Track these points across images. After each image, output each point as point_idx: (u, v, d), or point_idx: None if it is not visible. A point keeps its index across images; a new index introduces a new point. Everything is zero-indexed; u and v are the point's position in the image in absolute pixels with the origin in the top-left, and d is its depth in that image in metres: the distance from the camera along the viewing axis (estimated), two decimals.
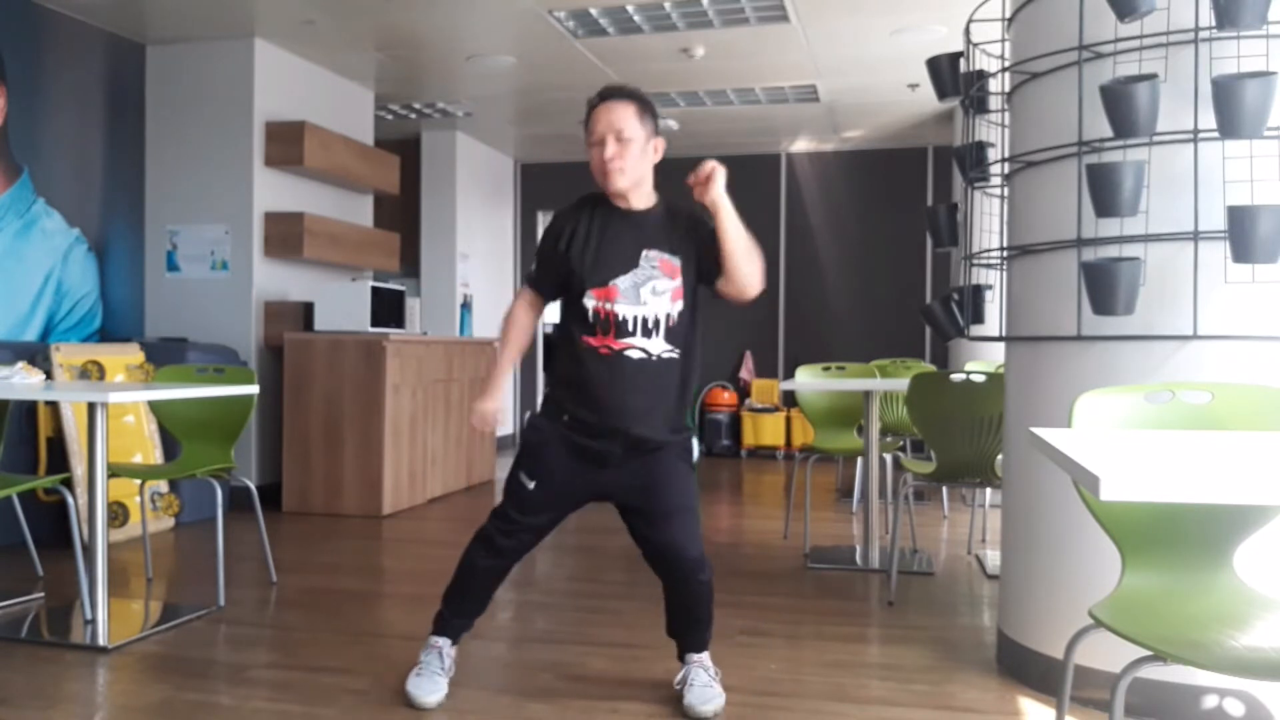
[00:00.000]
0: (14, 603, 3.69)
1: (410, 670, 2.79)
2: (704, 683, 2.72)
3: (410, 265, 8.42)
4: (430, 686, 2.72)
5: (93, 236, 5.67)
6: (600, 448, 2.61)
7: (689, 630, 2.78)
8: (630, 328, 2.59)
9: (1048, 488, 2.82)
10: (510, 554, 2.75)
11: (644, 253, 2.61)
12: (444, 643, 2.81)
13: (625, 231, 2.63)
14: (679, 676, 2.77)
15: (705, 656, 2.79)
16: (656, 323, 2.60)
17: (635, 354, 2.59)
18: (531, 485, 2.67)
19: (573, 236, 2.65)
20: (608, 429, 2.59)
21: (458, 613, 2.83)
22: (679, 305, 2.61)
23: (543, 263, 2.73)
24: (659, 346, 2.60)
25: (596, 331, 2.60)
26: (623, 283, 2.60)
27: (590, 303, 2.60)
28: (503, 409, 2.73)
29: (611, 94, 2.65)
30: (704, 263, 2.64)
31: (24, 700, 2.75)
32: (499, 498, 2.80)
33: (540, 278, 2.75)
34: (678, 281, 2.62)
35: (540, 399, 2.79)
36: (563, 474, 2.66)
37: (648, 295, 2.60)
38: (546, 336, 2.84)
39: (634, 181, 2.62)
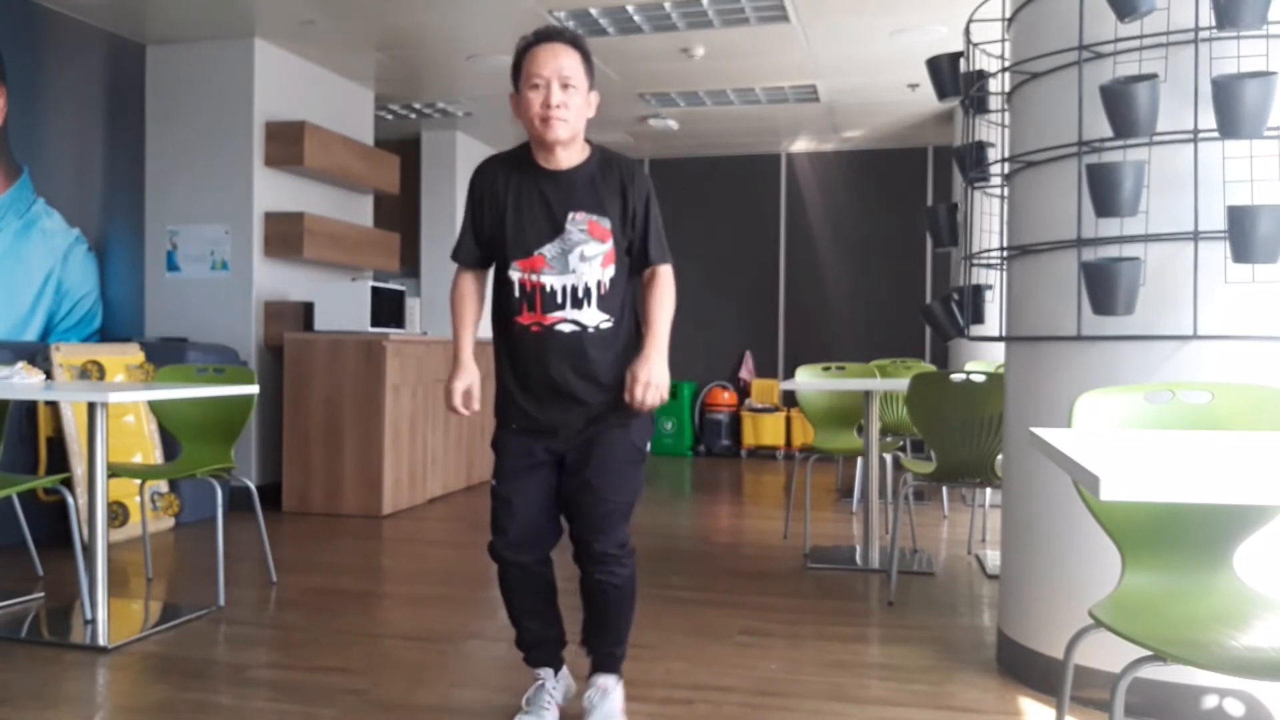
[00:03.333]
0: (14, 603, 3.69)
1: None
2: (604, 713, 2.49)
3: (410, 265, 8.42)
4: (534, 717, 2.51)
5: (93, 236, 5.67)
6: (547, 427, 2.45)
7: (594, 634, 2.56)
8: (559, 300, 2.38)
9: (1048, 488, 2.82)
10: (512, 559, 2.48)
11: (571, 215, 2.39)
12: (544, 673, 2.58)
13: (550, 193, 2.40)
14: (584, 695, 2.55)
15: (610, 680, 2.55)
16: (588, 292, 2.39)
17: (567, 328, 2.39)
18: (494, 484, 2.51)
19: (492, 200, 2.43)
20: (549, 416, 2.44)
21: (528, 634, 2.58)
22: (610, 271, 2.40)
23: (465, 232, 2.51)
24: (594, 317, 2.40)
25: (524, 308, 2.40)
26: (549, 251, 2.39)
27: (516, 275, 2.40)
28: (475, 384, 2.50)
29: (555, 36, 2.38)
30: (630, 236, 2.45)
31: (24, 700, 2.75)
32: None
33: (460, 250, 2.52)
34: (608, 245, 2.40)
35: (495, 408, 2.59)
36: (521, 453, 2.48)
37: (576, 262, 2.38)
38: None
39: (573, 133, 2.37)
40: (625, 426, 2.46)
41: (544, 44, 2.36)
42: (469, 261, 2.54)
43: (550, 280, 2.39)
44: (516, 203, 2.42)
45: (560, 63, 2.34)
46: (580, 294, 2.39)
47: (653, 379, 2.38)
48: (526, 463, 2.47)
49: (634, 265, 2.48)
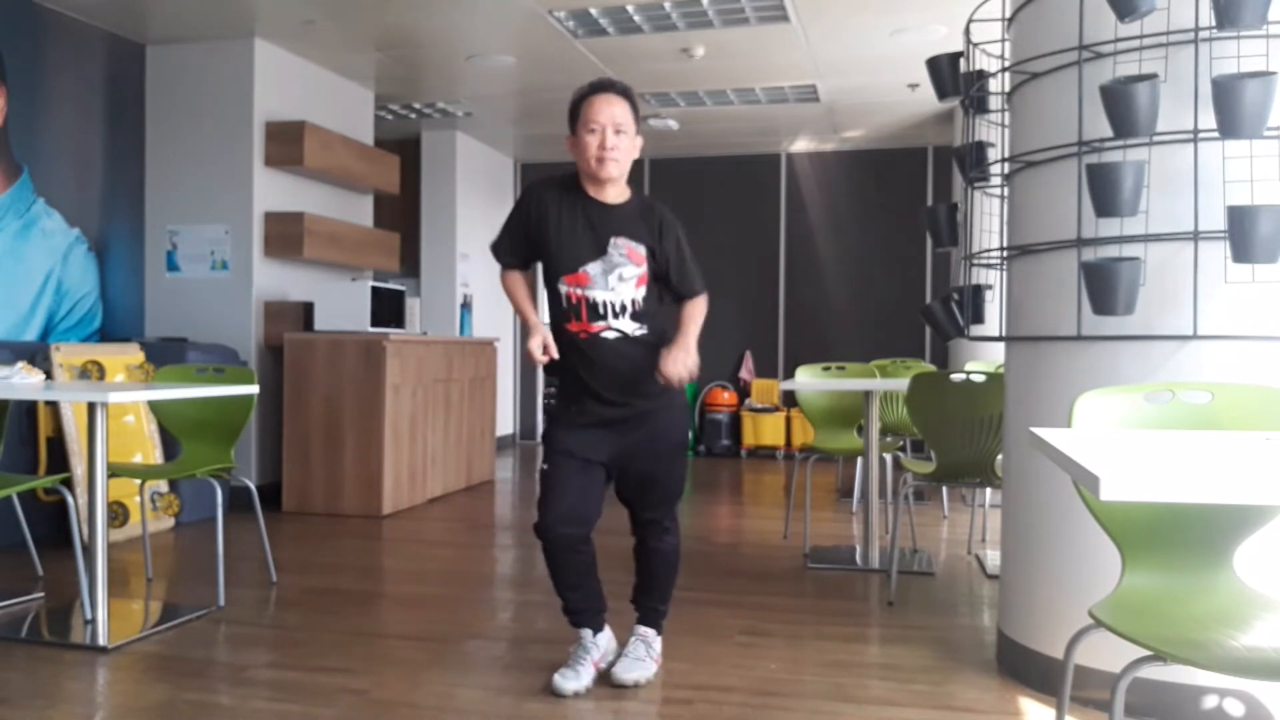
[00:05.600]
0: (14, 603, 3.69)
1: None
2: (638, 655, 2.92)
3: (410, 265, 8.42)
4: (570, 674, 2.82)
5: (93, 236, 5.67)
6: (603, 413, 2.79)
7: (642, 593, 2.97)
8: (602, 311, 2.75)
9: (1048, 488, 2.82)
10: (556, 533, 2.77)
11: (612, 240, 2.76)
12: (584, 633, 2.91)
13: (596, 219, 2.77)
14: (628, 642, 2.96)
15: (651, 633, 2.98)
16: (624, 307, 2.76)
17: (611, 335, 2.76)
18: (545, 467, 2.83)
19: (543, 217, 2.78)
20: (603, 402, 2.79)
21: (570, 603, 2.90)
22: (643, 290, 2.77)
23: (508, 235, 2.86)
24: (630, 326, 2.77)
25: (571, 317, 2.76)
26: (593, 269, 2.75)
27: (563, 288, 2.76)
28: (548, 336, 2.76)
29: (610, 87, 2.77)
30: (660, 268, 2.82)
31: (24, 700, 2.75)
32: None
33: (506, 251, 2.87)
34: (642, 268, 2.77)
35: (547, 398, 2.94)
36: (571, 444, 2.81)
37: (615, 281, 2.75)
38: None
39: (621, 172, 2.76)
40: (669, 427, 2.86)
41: (600, 94, 2.74)
42: (509, 262, 2.89)
43: (594, 294, 2.75)
44: (565, 224, 2.77)
45: (614, 111, 2.72)
46: (618, 308, 2.76)
47: (678, 355, 2.73)
48: (571, 451, 2.80)
49: (675, 295, 2.86)
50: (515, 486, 6.94)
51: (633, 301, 2.76)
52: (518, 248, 2.85)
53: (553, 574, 2.85)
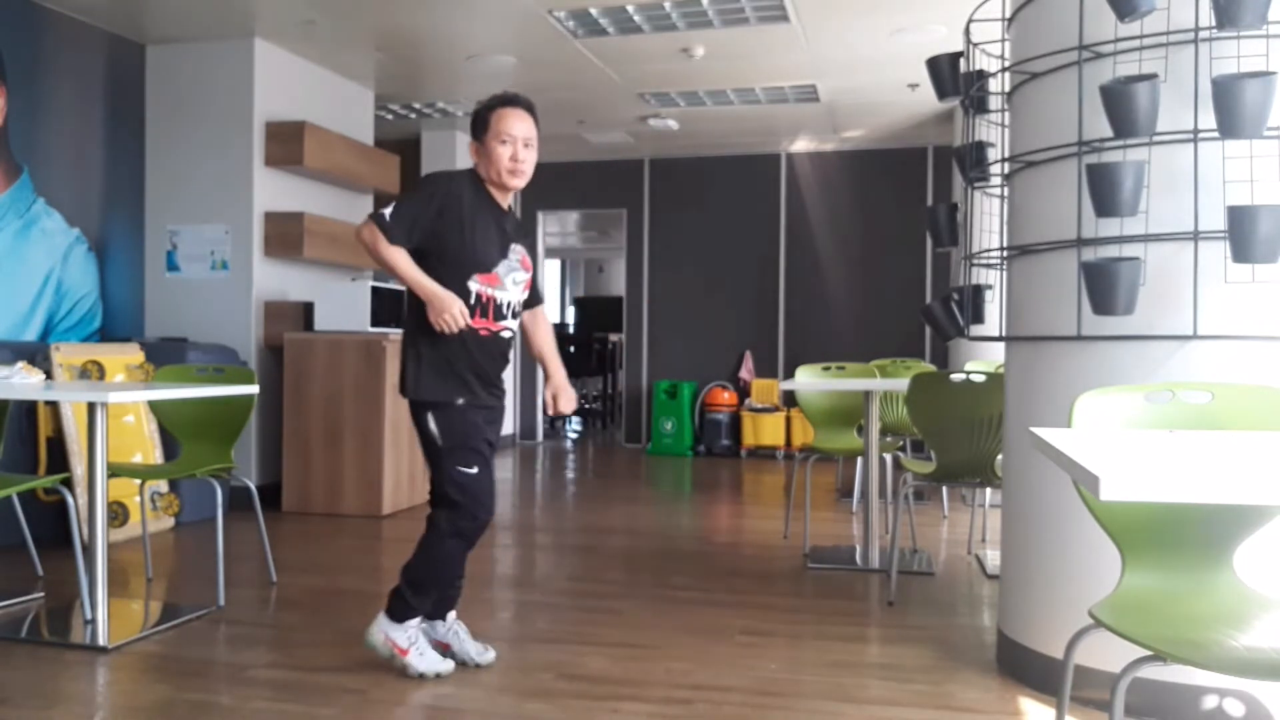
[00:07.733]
0: (14, 603, 3.69)
1: (395, 660, 2.94)
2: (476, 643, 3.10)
3: None
4: (440, 658, 2.94)
5: (93, 236, 5.67)
6: (490, 404, 2.95)
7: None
8: (504, 311, 2.92)
9: (1048, 488, 2.82)
10: (484, 528, 2.92)
11: (511, 245, 2.94)
12: (418, 622, 2.98)
13: (499, 222, 2.92)
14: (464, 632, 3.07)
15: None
16: (516, 310, 2.98)
17: (506, 333, 2.95)
18: (474, 471, 2.86)
19: (457, 212, 2.82)
20: (495, 397, 2.96)
21: (450, 595, 3.04)
22: (524, 295, 3.01)
23: (412, 217, 2.78)
24: (515, 326, 3.00)
25: (477, 314, 2.86)
26: (500, 270, 2.90)
27: (474, 286, 2.85)
28: (462, 304, 2.80)
29: (518, 101, 2.91)
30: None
31: (24, 700, 2.76)
32: (498, 498, 2.82)
33: (405, 232, 2.77)
34: (530, 274, 3.02)
35: (416, 390, 2.88)
36: (487, 434, 2.93)
37: (511, 285, 2.93)
38: (414, 324, 2.90)
39: (524, 185, 2.93)
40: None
41: (512, 108, 2.88)
42: (402, 242, 2.79)
43: (499, 295, 2.91)
44: (480, 223, 2.86)
45: (526, 125, 2.88)
46: (514, 310, 2.97)
47: (570, 391, 3.10)
48: (489, 441, 2.94)
49: (528, 303, 3.09)
50: (515, 486, 6.94)
51: (517, 304, 2.98)
52: (415, 232, 2.79)
53: (451, 567, 2.94)
